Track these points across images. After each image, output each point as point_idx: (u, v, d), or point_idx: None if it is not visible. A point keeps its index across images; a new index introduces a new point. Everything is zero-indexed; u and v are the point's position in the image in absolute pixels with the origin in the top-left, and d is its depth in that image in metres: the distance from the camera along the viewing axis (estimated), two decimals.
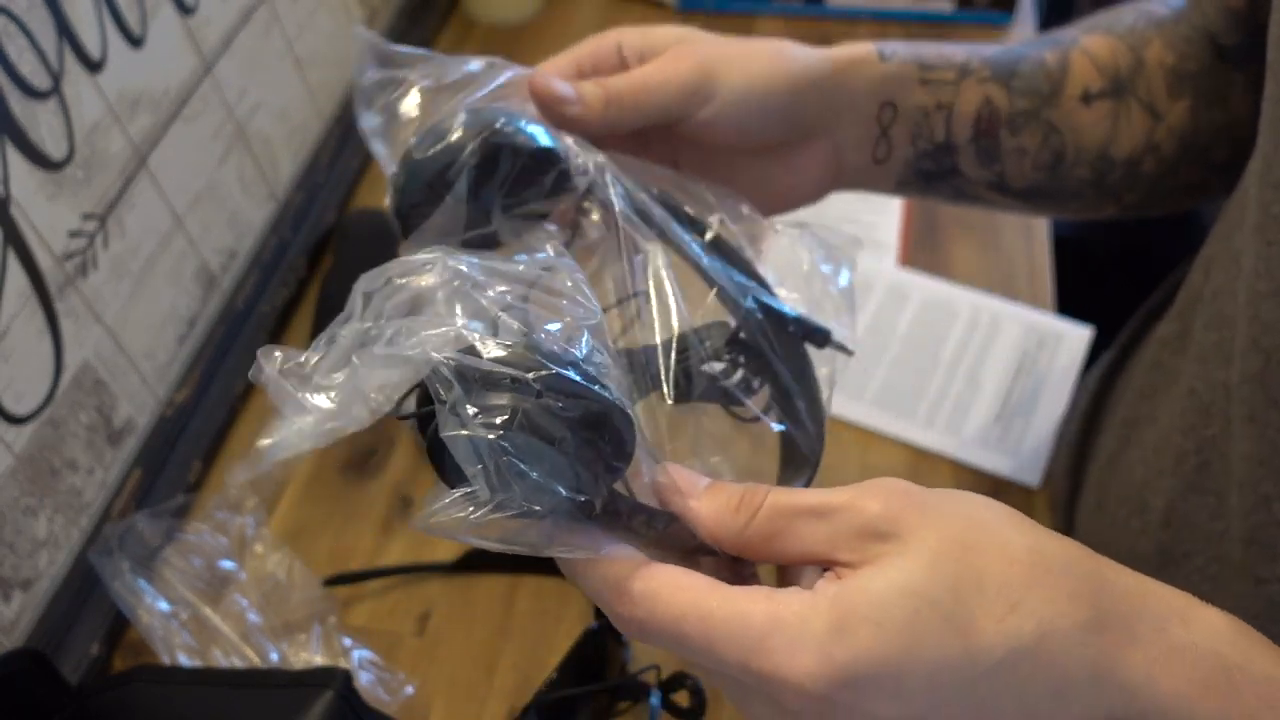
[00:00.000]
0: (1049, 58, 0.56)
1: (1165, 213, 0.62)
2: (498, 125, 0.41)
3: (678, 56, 0.47)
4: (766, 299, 0.45)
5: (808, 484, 0.42)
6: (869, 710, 0.30)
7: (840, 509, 0.32)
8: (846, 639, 0.30)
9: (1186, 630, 0.32)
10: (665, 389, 0.41)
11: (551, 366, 0.30)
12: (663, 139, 0.50)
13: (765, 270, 0.46)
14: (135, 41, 0.64)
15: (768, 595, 0.31)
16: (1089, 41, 0.57)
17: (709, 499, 0.34)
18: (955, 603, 0.30)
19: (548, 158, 0.42)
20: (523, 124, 0.42)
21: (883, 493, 0.32)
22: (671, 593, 0.32)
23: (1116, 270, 1.17)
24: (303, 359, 0.31)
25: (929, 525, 0.31)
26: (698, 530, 0.34)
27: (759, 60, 0.48)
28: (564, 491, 0.30)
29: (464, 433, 0.28)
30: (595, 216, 0.44)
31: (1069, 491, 0.64)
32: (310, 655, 0.62)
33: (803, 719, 0.31)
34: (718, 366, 0.44)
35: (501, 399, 0.29)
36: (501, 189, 0.41)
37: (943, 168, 0.54)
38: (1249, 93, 0.55)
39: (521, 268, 0.35)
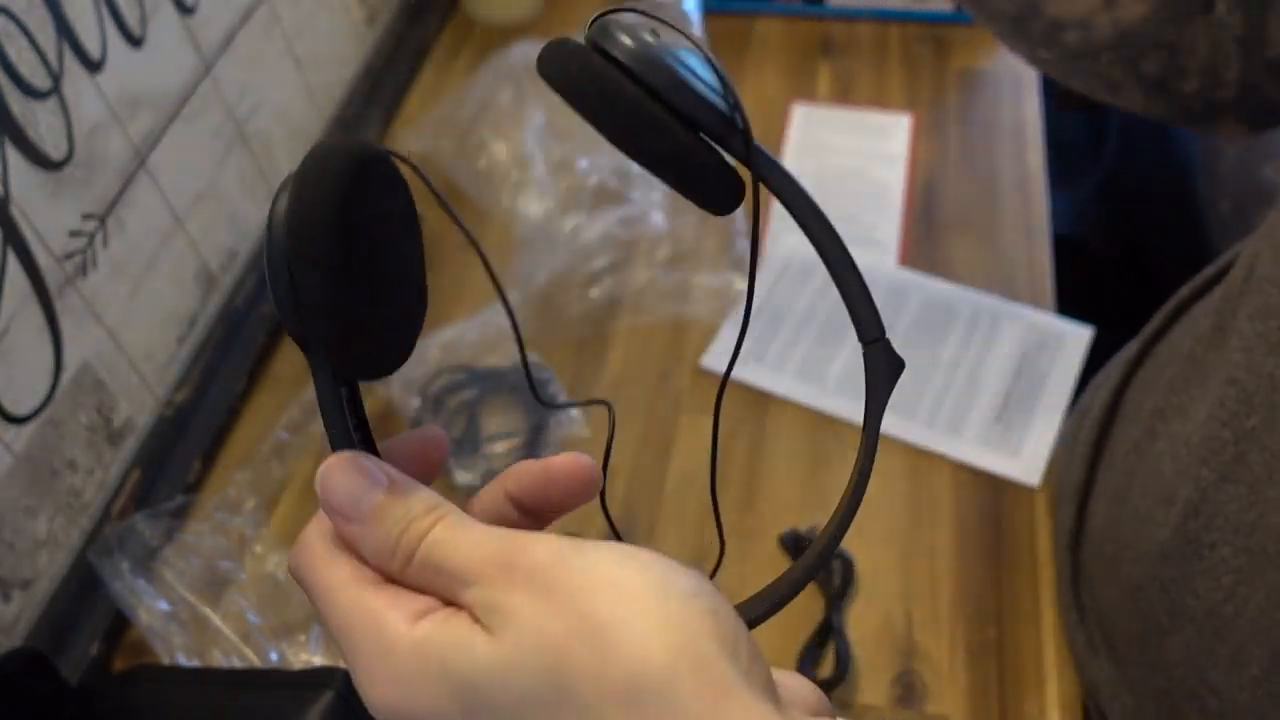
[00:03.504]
0: None
1: (1076, 93, 0.60)
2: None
3: None
4: None
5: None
6: None
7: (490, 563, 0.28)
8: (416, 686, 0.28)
9: None
10: None
11: None
12: None
13: None
14: (135, 41, 0.64)
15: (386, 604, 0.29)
16: None
17: (370, 529, 0.30)
18: (514, 711, 0.27)
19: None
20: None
21: (533, 562, 0.28)
22: (315, 580, 0.32)
23: (1116, 270, 1.17)
24: None
25: (542, 613, 0.27)
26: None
27: None
28: None
29: None
30: None
31: (1083, 485, 0.64)
32: (310, 655, 0.62)
33: None
34: None
35: None
36: None
37: None
38: (1216, 29, 0.54)
39: None
